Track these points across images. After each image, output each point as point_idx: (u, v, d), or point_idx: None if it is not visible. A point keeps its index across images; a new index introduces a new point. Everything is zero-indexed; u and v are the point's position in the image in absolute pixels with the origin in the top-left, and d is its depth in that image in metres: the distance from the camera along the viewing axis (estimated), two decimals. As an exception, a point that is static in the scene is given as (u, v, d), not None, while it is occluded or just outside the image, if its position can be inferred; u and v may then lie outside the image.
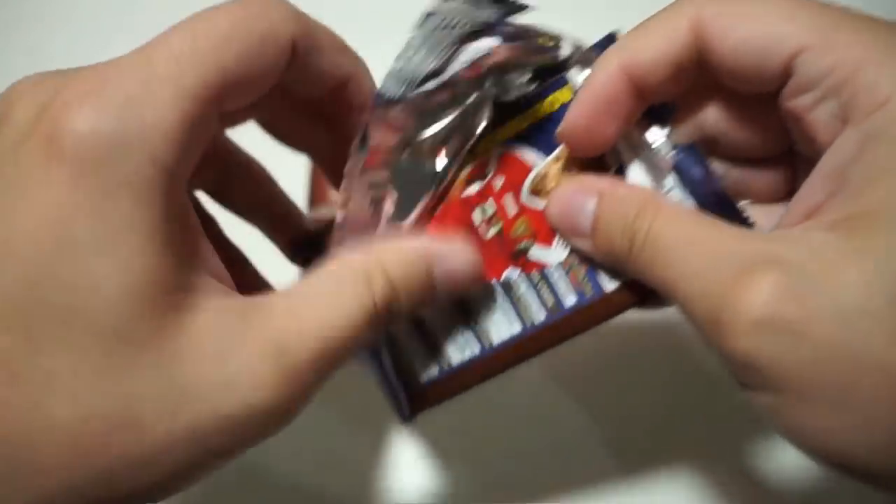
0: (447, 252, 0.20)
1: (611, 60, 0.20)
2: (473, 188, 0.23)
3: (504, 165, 0.23)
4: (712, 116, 0.22)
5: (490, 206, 0.23)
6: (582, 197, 0.21)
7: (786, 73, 0.19)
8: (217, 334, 0.16)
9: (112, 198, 0.15)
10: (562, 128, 0.21)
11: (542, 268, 0.22)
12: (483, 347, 0.23)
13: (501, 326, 0.23)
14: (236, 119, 0.23)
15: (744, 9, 0.19)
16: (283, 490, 0.33)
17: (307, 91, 0.21)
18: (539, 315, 0.22)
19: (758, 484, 0.32)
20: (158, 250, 0.15)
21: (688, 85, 0.21)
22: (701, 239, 0.18)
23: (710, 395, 0.34)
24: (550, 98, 0.22)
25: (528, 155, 0.23)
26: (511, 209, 0.23)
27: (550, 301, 0.22)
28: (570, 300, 0.22)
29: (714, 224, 0.19)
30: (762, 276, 0.16)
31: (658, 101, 0.21)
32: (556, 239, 0.22)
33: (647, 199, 0.20)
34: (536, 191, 0.23)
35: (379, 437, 0.34)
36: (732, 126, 0.21)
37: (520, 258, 0.23)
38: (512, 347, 0.23)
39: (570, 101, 0.22)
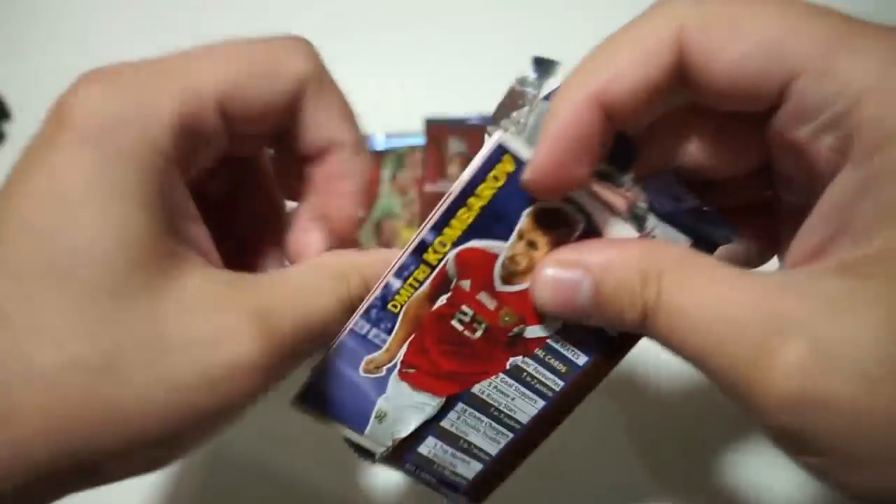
0: None
1: (577, 90, 0.17)
2: (441, 301, 0.20)
3: (465, 266, 0.20)
4: (681, 140, 0.19)
5: (467, 310, 0.20)
6: (571, 278, 0.19)
7: (780, 97, 0.16)
8: (202, 296, 0.17)
9: (110, 165, 0.16)
10: (528, 175, 0.18)
11: (543, 342, 0.21)
12: (515, 430, 0.22)
13: (525, 408, 0.22)
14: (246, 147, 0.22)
15: (732, 21, 0.16)
16: (282, 490, 0.33)
17: (299, 143, 0.21)
18: (556, 384, 0.21)
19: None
20: (149, 218, 0.16)
21: (663, 109, 0.18)
22: (714, 301, 0.17)
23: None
24: (491, 176, 0.19)
25: (487, 245, 0.19)
26: (489, 304, 0.20)
27: (563, 367, 0.21)
28: (581, 359, 0.21)
29: (721, 279, 0.17)
30: (785, 347, 0.15)
31: (628, 128, 0.18)
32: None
33: (646, 262, 0.18)
34: (509, 277, 0.20)
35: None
36: (702, 147, 0.19)
37: (517, 344, 0.21)
38: (542, 420, 0.22)
39: (516, 172, 0.18)
